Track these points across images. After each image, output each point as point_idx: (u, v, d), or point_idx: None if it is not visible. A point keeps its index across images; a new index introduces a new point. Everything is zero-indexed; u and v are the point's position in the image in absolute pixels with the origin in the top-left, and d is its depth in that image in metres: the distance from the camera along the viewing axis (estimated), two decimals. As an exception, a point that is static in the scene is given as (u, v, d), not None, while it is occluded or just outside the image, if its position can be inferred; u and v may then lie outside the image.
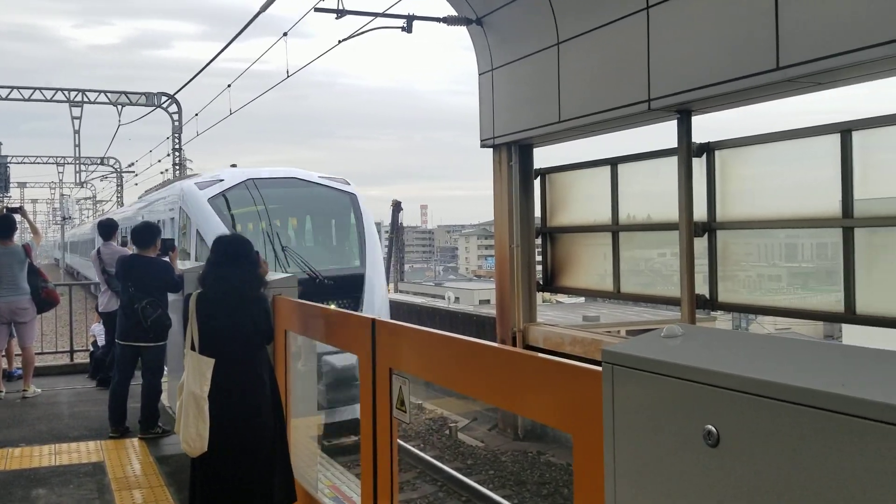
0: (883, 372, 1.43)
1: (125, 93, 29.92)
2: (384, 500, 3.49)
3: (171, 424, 6.61)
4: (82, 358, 11.01)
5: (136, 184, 45.44)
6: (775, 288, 8.92)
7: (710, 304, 8.19)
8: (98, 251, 8.99)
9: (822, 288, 7.75)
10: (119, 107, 29.64)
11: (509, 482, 10.63)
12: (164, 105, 30.14)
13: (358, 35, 11.25)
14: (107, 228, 9.22)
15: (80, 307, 13.10)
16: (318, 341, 4.65)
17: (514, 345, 10.61)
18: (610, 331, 17.62)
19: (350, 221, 13.13)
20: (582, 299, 27.56)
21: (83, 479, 5.94)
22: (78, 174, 40.60)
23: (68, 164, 44.10)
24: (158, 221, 15.51)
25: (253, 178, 12.68)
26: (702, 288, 8.16)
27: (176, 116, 30.16)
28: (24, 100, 28.95)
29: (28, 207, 43.26)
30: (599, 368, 1.87)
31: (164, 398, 7.61)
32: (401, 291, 43.52)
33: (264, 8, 12.54)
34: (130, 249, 7.83)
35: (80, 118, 31.46)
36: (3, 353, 9.16)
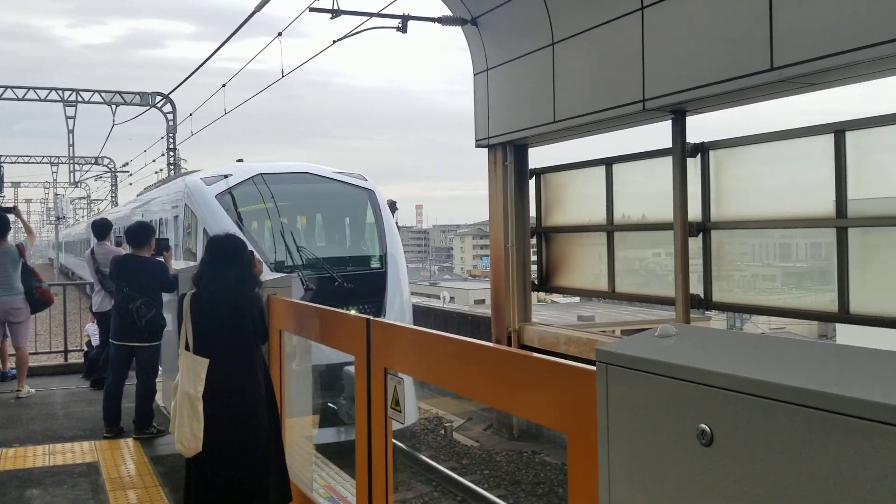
0: (877, 371, 1.44)
1: (119, 92, 29.88)
2: (379, 500, 3.49)
3: (166, 424, 6.60)
4: (76, 358, 11.00)
5: (131, 184, 45.46)
6: (769, 288, 8.93)
7: (705, 303, 8.21)
8: (92, 251, 8.97)
9: (816, 288, 7.77)
10: (113, 106, 29.59)
11: (504, 482, 10.64)
12: (159, 105, 30.11)
13: (353, 35, 11.25)
14: (101, 228, 9.19)
15: (74, 307, 13.08)
16: (313, 341, 4.64)
17: (509, 344, 10.61)
18: (605, 330, 17.66)
19: (369, 219, 12.30)
20: (577, 299, 27.59)
21: (77, 479, 5.93)
22: (72, 174, 40.50)
23: (62, 163, 43.95)
24: (160, 220, 15.09)
25: (263, 174, 11.80)
26: (696, 288, 8.18)
27: (170, 116, 30.12)
28: (18, 99, 28.88)
29: (22, 207, 43.22)
30: (594, 368, 1.87)
31: (158, 398, 7.60)
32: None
33: (259, 8, 12.54)
34: (125, 249, 7.81)
35: (74, 118, 31.45)
36: (-3, 354, 9.15)
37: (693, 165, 8.12)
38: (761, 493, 1.41)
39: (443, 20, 10.95)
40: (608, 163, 9.63)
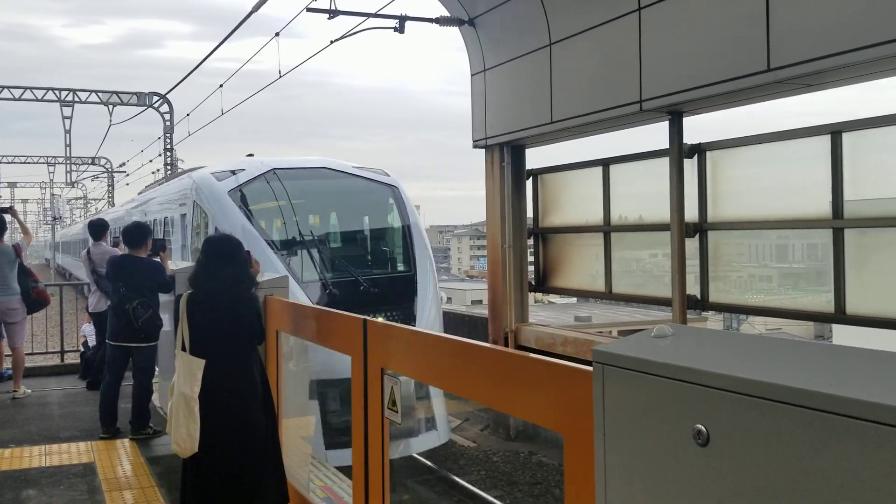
0: (872, 372, 1.44)
1: (116, 92, 29.86)
2: (376, 501, 3.49)
3: (163, 425, 6.59)
4: (73, 358, 10.98)
5: (128, 184, 45.37)
6: (766, 288, 8.95)
7: (702, 304, 8.22)
8: (88, 251, 8.96)
9: (813, 288, 7.78)
10: (110, 107, 29.57)
11: (501, 482, 10.64)
12: (156, 105, 30.07)
13: (350, 35, 11.24)
14: (97, 228, 9.19)
15: (70, 307, 13.02)
16: (310, 341, 4.64)
17: (506, 345, 10.61)
18: (602, 331, 17.69)
19: (394, 217, 11.46)
20: (574, 300, 27.61)
21: (74, 479, 5.92)
22: (69, 174, 40.48)
23: (59, 163, 43.93)
24: (165, 219, 14.58)
25: (277, 169, 10.91)
26: (693, 288, 8.19)
27: (167, 116, 30.08)
28: (15, 99, 28.85)
29: (18, 207, 43.07)
30: (590, 368, 1.87)
31: (155, 399, 7.58)
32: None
33: (256, 8, 12.53)
34: (121, 250, 7.80)
35: (70, 118, 31.39)
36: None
37: (690, 166, 8.13)
38: (757, 493, 1.41)
39: (440, 21, 10.95)
40: (605, 163, 9.64)
